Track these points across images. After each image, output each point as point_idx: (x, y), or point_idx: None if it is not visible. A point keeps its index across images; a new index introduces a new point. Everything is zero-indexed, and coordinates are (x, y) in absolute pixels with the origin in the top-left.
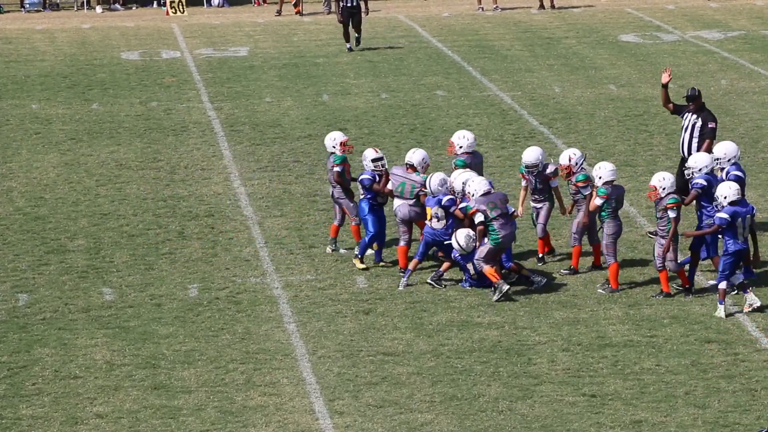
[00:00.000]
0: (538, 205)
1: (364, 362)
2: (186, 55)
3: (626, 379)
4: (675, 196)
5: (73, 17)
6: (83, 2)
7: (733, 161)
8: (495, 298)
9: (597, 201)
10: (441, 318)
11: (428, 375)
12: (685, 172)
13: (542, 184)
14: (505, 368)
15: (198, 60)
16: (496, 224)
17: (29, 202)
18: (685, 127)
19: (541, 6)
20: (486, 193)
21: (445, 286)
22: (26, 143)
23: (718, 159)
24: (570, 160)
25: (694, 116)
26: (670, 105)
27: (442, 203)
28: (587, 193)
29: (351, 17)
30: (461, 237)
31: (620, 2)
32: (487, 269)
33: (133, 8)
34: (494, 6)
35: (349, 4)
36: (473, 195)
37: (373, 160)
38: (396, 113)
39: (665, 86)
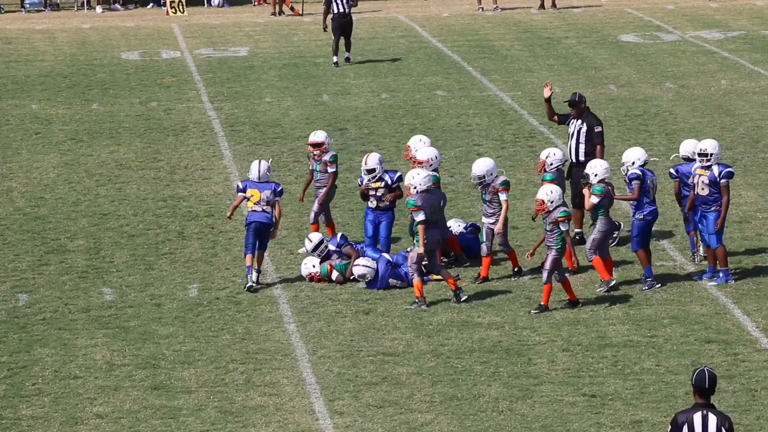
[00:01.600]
0: (489, 220)
1: (364, 362)
2: (186, 55)
3: (626, 379)
4: (565, 209)
5: (73, 17)
6: (83, 2)
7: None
8: (410, 307)
9: (593, 199)
10: (441, 318)
11: (428, 375)
12: (621, 168)
13: (491, 195)
14: (505, 368)
15: (198, 60)
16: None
17: (29, 202)
18: (571, 133)
19: (542, 6)
20: (427, 191)
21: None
22: (26, 143)
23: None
24: (547, 158)
25: (579, 122)
26: (555, 117)
27: (277, 191)
28: None
29: (342, 28)
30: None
31: (620, 2)
32: (416, 282)
33: (133, 8)
34: (494, 6)
35: (340, 10)
36: (415, 189)
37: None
38: (396, 113)
39: (548, 100)
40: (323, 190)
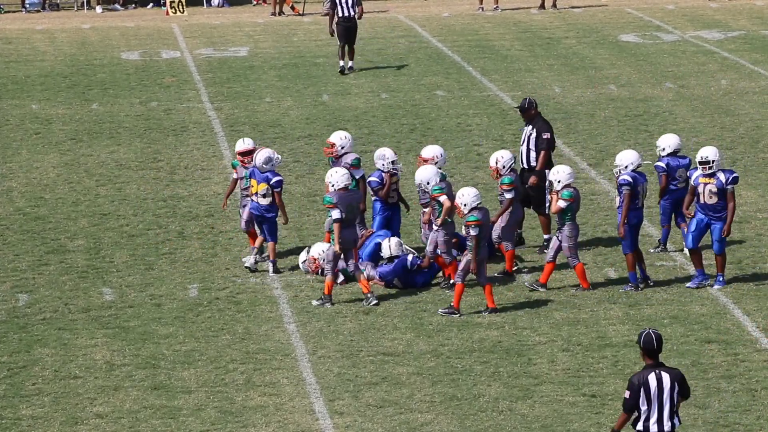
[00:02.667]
0: (425, 209)
1: (364, 362)
2: (186, 55)
3: (626, 379)
4: (475, 214)
5: (73, 17)
6: (83, 2)
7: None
8: (315, 303)
9: (561, 204)
10: (441, 318)
11: (428, 375)
12: (614, 170)
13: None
14: (505, 368)
15: (198, 60)
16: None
17: (29, 202)
18: (522, 139)
19: (542, 6)
20: (344, 189)
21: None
22: (26, 143)
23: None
24: (497, 162)
25: (530, 127)
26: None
27: (271, 182)
28: (509, 196)
29: (347, 32)
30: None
31: (620, 2)
32: (328, 280)
33: (133, 8)
34: (495, 6)
35: (345, 14)
36: (332, 186)
37: (393, 162)
38: (396, 113)
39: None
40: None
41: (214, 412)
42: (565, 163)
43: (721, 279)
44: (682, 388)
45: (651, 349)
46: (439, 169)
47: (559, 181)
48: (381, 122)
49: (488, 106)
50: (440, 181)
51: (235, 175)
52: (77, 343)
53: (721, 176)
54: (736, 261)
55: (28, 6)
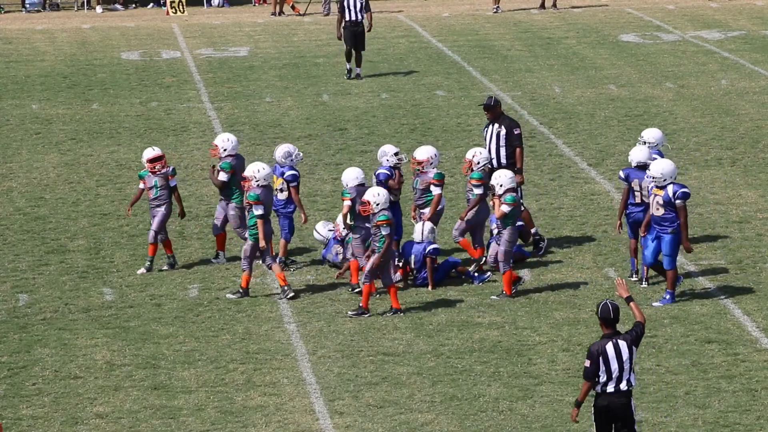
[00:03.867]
0: (423, 211)
1: (364, 362)
2: (186, 55)
3: None
4: (386, 213)
5: (74, 17)
6: (83, 2)
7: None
8: (230, 296)
9: (504, 208)
10: (441, 318)
11: (428, 375)
12: (649, 182)
13: (422, 185)
14: (506, 368)
15: (198, 60)
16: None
17: (29, 202)
18: (488, 137)
19: (542, 6)
20: (266, 187)
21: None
22: (26, 143)
23: (654, 177)
24: (474, 157)
25: (496, 125)
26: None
27: (285, 176)
28: (478, 192)
29: (354, 37)
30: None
31: (620, 2)
32: (245, 275)
33: (133, 8)
34: (495, 7)
35: (352, 18)
36: (257, 183)
37: (396, 154)
38: (396, 113)
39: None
40: (163, 207)
41: (215, 412)
42: (564, 164)
43: (667, 297)
44: (636, 345)
45: (608, 318)
46: (435, 168)
47: (501, 185)
48: (381, 122)
49: None
50: (438, 180)
51: (142, 185)
52: (77, 343)
53: (670, 189)
54: (737, 261)
55: (28, 6)
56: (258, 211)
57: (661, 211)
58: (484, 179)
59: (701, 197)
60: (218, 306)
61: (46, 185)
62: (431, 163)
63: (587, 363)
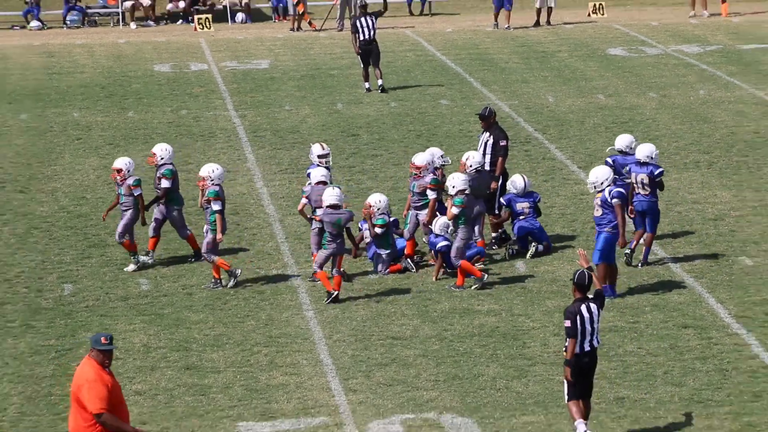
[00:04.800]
0: (420, 212)
1: (375, 345)
2: (213, 67)
3: (611, 360)
4: (384, 217)
5: (110, 33)
6: (119, 19)
7: (607, 183)
8: (208, 286)
9: (454, 210)
10: (444, 306)
11: (433, 357)
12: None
13: (419, 188)
14: (502, 351)
15: (223, 72)
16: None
17: (72, 201)
18: (480, 144)
19: (537, 23)
20: (219, 185)
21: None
22: (69, 148)
23: (591, 183)
24: (467, 160)
25: (487, 134)
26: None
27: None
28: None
29: (368, 54)
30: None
31: (608, 19)
32: (219, 261)
33: (164, 24)
34: (494, 23)
35: (365, 37)
36: (212, 182)
37: (319, 156)
38: (404, 120)
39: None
40: (128, 213)
41: (241, 390)
42: (557, 167)
43: (608, 291)
44: (602, 308)
45: (582, 284)
46: (432, 174)
47: (453, 186)
48: (390, 128)
49: None
50: (434, 185)
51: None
52: (117, 328)
53: (606, 192)
54: (711, 254)
55: (69, 23)
56: (216, 206)
57: (599, 212)
58: (441, 183)
59: (680, 197)
60: (243, 295)
61: (87, 186)
62: (428, 169)
63: (567, 323)
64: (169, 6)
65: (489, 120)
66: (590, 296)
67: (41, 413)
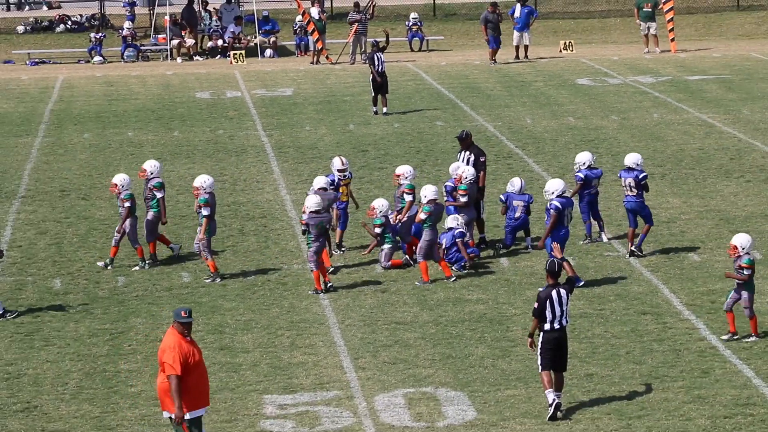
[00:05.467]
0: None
1: (381, 329)
2: (245, 94)
3: (581, 342)
4: (381, 218)
5: (160, 66)
6: (167, 55)
7: (557, 193)
8: (208, 280)
9: (422, 215)
10: (440, 296)
11: (430, 339)
12: (545, 194)
13: (399, 193)
14: (489, 334)
15: (254, 98)
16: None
17: None
18: (462, 161)
19: (516, 57)
20: (210, 193)
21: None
22: (124, 162)
23: (545, 191)
24: (463, 173)
25: (467, 152)
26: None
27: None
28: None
29: (380, 85)
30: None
31: (577, 54)
32: (210, 263)
33: (204, 59)
34: (491, 60)
35: (378, 70)
36: (204, 190)
37: (338, 170)
38: (405, 138)
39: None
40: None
41: (267, 367)
42: (534, 177)
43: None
44: (570, 293)
45: (553, 271)
46: (408, 180)
47: (425, 196)
48: (394, 145)
49: (476, 133)
50: (409, 189)
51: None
52: (162, 314)
53: (549, 202)
54: (665, 252)
55: (126, 58)
56: (205, 212)
57: (546, 217)
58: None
59: None
60: (269, 286)
61: (138, 194)
62: (407, 177)
63: (536, 305)
64: (209, 44)
65: (467, 141)
66: (561, 282)
67: (97, 387)
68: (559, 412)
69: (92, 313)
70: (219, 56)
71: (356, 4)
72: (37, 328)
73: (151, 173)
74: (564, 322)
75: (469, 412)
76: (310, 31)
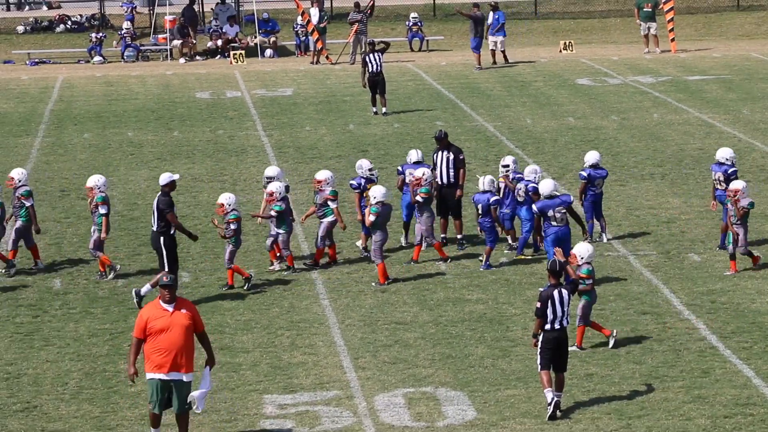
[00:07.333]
0: (323, 219)
1: (381, 329)
2: (245, 94)
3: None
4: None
5: (160, 66)
6: (167, 55)
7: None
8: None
9: (371, 218)
10: (440, 295)
11: (430, 339)
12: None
13: (321, 200)
14: (489, 334)
15: (254, 98)
16: None
17: (126, 206)
18: (439, 161)
19: (494, 62)
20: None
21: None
22: (123, 162)
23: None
24: (423, 174)
25: (446, 152)
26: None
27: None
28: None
29: (375, 85)
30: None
31: (577, 54)
32: (103, 257)
33: (204, 59)
34: (493, 62)
35: (373, 70)
36: (98, 188)
37: (370, 169)
38: (405, 139)
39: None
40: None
41: (267, 367)
42: None
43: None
44: (572, 295)
45: (555, 270)
46: (330, 186)
47: (374, 198)
48: (394, 146)
49: (476, 133)
50: (333, 196)
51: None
52: None
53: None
54: (665, 252)
55: (125, 58)
56: (103, 210)
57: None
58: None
59: (638, 203)
60: (269, 286)
61: (138, 194)
62: (328, 183)
63: (538, 304)
64: (209, 44)
65: (444, 140)
66: (563, 283)
67: (97, 387)
68: (558, 411)
69: (92, 313)
70: (219, 56)
71: (356, 4)
72: (37, 328)
73: (19, 181)
74: (565, 322)
75: (469, 411)
76: (309, 31)
